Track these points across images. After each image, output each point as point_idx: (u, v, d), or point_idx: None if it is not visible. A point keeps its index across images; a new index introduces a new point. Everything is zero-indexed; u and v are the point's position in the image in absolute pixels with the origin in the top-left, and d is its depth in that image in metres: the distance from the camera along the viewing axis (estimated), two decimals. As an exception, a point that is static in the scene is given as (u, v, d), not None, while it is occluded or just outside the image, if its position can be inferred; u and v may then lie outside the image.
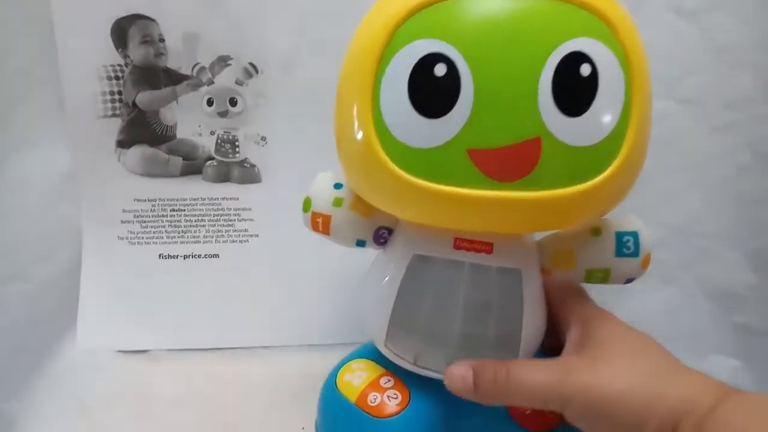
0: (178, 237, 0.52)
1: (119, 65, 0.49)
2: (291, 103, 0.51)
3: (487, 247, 0.32)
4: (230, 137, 0.52)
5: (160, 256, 0.52)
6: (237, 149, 0.52)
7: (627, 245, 0.34)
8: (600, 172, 0.28)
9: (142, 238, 0.52)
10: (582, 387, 0.28)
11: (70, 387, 0.47)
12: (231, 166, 0.52)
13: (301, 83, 0.51)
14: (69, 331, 0.50)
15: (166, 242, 0.52)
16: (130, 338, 0.50)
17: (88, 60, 0.49)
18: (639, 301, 0.51)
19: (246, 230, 0.53)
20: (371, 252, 0.38)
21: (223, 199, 0.52)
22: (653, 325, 0.46)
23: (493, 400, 0.31)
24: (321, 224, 0.37)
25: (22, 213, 0.50)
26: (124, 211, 0.51)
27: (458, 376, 0.31)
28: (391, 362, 0.36)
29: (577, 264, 0.34)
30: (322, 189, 0.37)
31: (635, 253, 0.34)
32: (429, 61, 0.27)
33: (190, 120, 0.51)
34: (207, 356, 0.50)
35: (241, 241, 0.53)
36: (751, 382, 0.50)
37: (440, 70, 0.27)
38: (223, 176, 0.52)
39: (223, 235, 0.53)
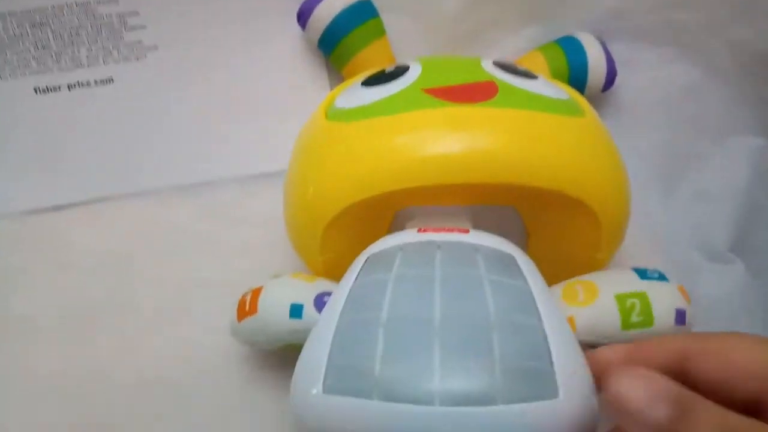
0: (53, 63, 0.40)
1: None
2: None
3: (461, 230, 0.27)
4: None
5: (36, 90, 0.40)
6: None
7: (648, 271, 0.28)
8: (576, 114, 0.30)
9: (5, 71, 0.40)
10: None
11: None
12: (98, -43, 0.38)
13: None
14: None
15: (37, 72, 0.40)
16: (31, 196, 0.42)
17: None
18: (658, 75, 0.43)
19: (140, 42, 0.41)
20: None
21: (98, 3, 0.39)
22: (671, 105, 0.42)
23: None
24: (249, 302, 0.29)
25: None
26: (-33, 39, 0.38)
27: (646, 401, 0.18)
28: None
29: (600, 290, 0.27)
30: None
31: (663, 278, 0.28)
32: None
33: None
34: (127, 203, 0.42)
35: (137, 58, 0.41)
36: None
37: (390, 68, 0.32)
38: (90, -29, 0.38)
39: (111, 53, 0.40)
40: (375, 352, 0.22)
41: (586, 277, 0.28)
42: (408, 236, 0.27)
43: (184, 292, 0.38)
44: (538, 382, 0.21)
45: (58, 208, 0.42)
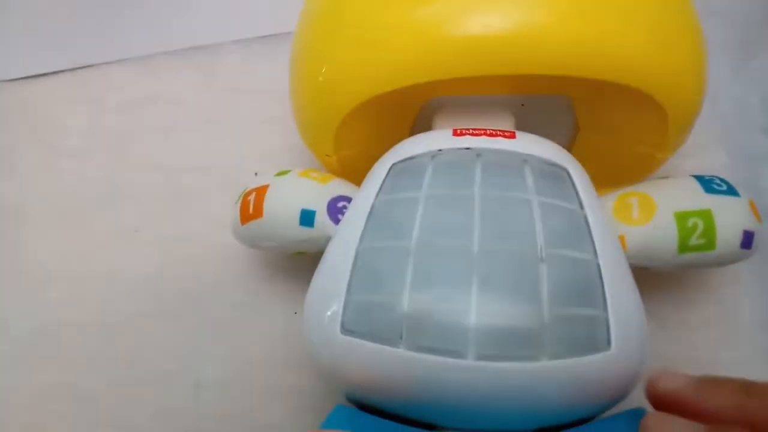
0: None
1: None
2: None
3: (505, 133, 0.22)
4: None
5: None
6: None
7: (715, 182, 0.23)
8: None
9: None
10: None
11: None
12: None
13: None
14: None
15: None
16: (10, 63, 0.37)
17: None
18: None
19: None
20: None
21: None
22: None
23: None
24: (253, 204, 0.25)
25: None
26: None
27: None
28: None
29: (658, 206, 0.22)
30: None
31: (732, 191, 0.23)
32: None
33: None
34: (114, 71, 0.38)
35: None
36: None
37: None
38: None
39: None
40: (402, 286, 0.19)
41: (642, 189, 0.23)
42: (441, 140, 0.23)
43: (185, 178, 0.34)
44: (589, 331, 0.18)
45: (40, 77, 0.38)
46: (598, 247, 0.19)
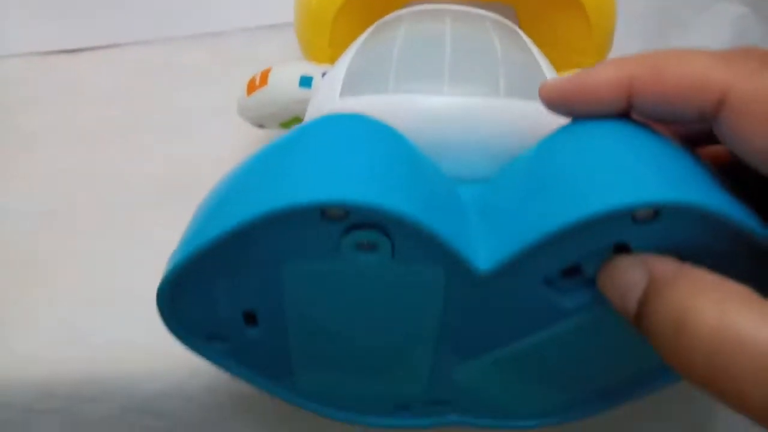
0: None
1: None
2: None
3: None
4: None
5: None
6: None
7: None
8: None
9: None
10: None
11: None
12: None
13: None
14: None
15: None
16: (42, 38, 0.43)
17: None
18: None
19: None
20: None
21: None
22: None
23: None
24: (259, 78, 0.31)
25: None
26: None
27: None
28: None
29: None
30: None
31: None
32: None
33: None
34: (136, 49, 0.44)
35: None
36: (759, 32, 0.45)
37: None
38: None
39: None
40: (389, 71, 0.24)
41: None
42: (415, 6, 0.29)
43: (195, 118, 0.40)
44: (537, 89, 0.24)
45: (68, 52, 0.44)
46: (542, 65, 0.26)
